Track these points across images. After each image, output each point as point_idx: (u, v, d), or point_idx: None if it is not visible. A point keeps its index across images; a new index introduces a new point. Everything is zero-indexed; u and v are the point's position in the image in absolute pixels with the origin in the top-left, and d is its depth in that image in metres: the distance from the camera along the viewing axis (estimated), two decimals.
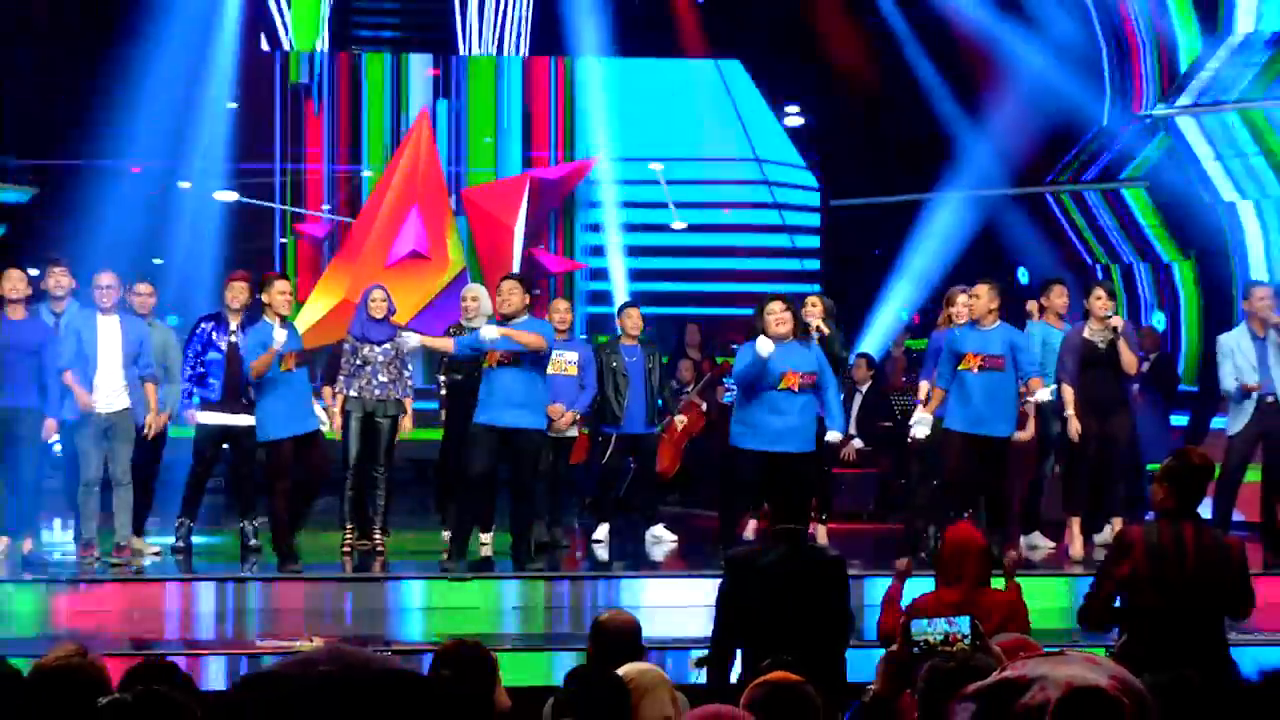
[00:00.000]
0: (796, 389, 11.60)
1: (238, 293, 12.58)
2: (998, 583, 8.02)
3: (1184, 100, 17.12)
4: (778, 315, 11.62)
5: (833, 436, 12.09)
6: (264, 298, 11.78)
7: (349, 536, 12.36)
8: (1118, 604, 7.11)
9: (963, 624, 5.09)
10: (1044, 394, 11.98)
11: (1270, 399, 12.15)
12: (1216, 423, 13.57)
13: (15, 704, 5.09)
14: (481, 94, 19.62)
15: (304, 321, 15.89)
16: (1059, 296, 12.93)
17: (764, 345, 11.36)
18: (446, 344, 11.87)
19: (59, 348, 11.85)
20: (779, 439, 11.64)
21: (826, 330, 12.50)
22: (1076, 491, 12.57)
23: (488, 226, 17.92)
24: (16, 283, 11.83)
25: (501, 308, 11.67)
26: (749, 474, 11.81)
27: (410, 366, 12.55)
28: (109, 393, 11.91)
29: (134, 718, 4.60)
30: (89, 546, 11.96)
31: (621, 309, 13.78)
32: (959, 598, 7.32)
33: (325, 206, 19.34)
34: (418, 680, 1.84)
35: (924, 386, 12.55)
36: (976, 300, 11.96)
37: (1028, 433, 12.47)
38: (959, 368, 11.91)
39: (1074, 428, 12.10)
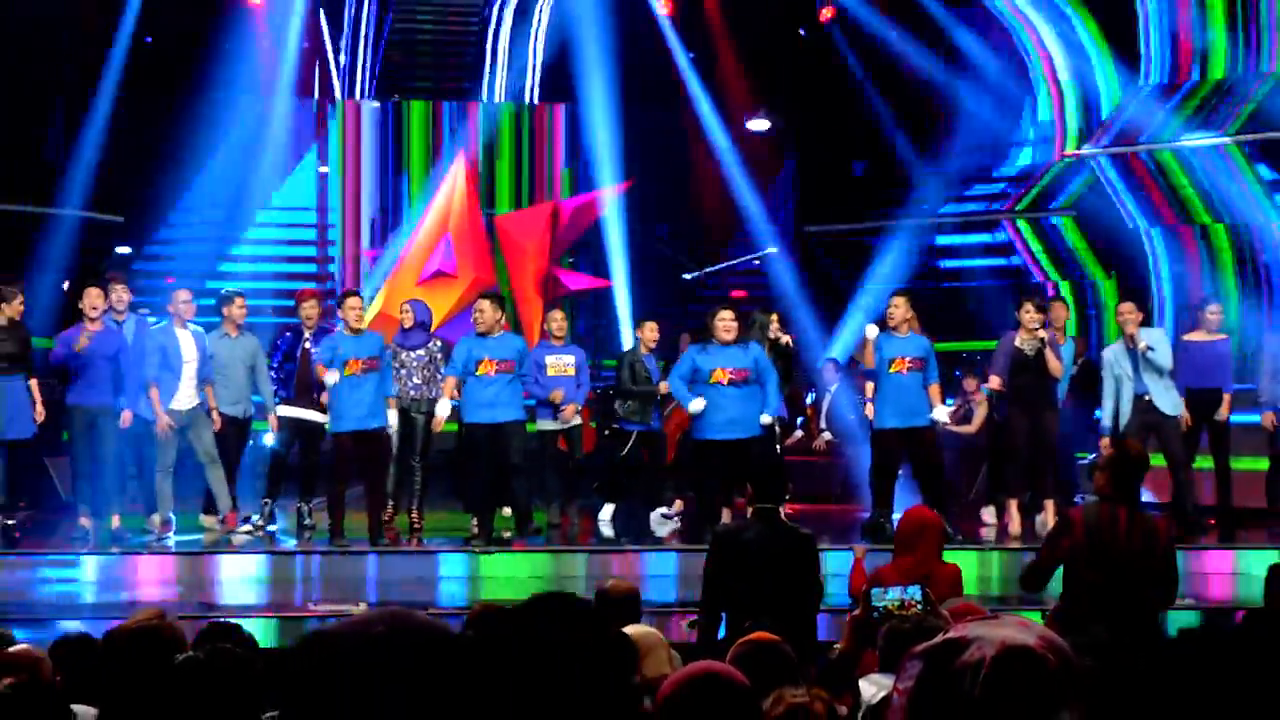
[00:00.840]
0: (726, 383, 11.72)
1: (309, 309, 12.81)
2: (949, 556, 8.08)
3: (1106, 141, 17.15)
4: (726, 323, 11.80)
5: (764, 419, 11.98)
6: (339, 312, 11.95)
7: (390, 516, 12.44)
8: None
9: (915, 591, 5.14)
10: (941, 413, 12.18)
11: (1146, 397, 12.18)
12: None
13: (92, 665, 5.12)
14: (506, 136, 19.61)
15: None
16: (1054, 310, 12.88)
17: (696, 405, 11.75)
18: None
19: (146, 359, 12.01)
20: (724, 428, 11.73)
21: (787, 340, 12.77)
22: (1013, 478, 12.55)
23: (516, 249, 17.90)
24: (95, 300, 11.92)
25: (476, 325, 11.92)
26: (707, 460, 11.96)
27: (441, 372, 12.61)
28: (187, 392, 12.06)
29: (205, 672, 4.64)
30: (166, 524, 12.07)
31: (641, 322, 13.66)
32: (914, 568, 7.32)
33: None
34: (466, 641, 1.84)
35: (869, 385, 12.51)
36: (895, 310, 12.07)
37: (973, 426, 12.53)
38: (890, 370, 12.00)
39: (980, 414, 12.29)
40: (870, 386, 12.50)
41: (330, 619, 9.39)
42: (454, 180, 17.57)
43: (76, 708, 4.56)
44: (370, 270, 18.72)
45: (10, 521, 12.26)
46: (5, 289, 12.04)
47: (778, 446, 12.75)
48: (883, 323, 12.21)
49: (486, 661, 1.79)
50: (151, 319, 12.94)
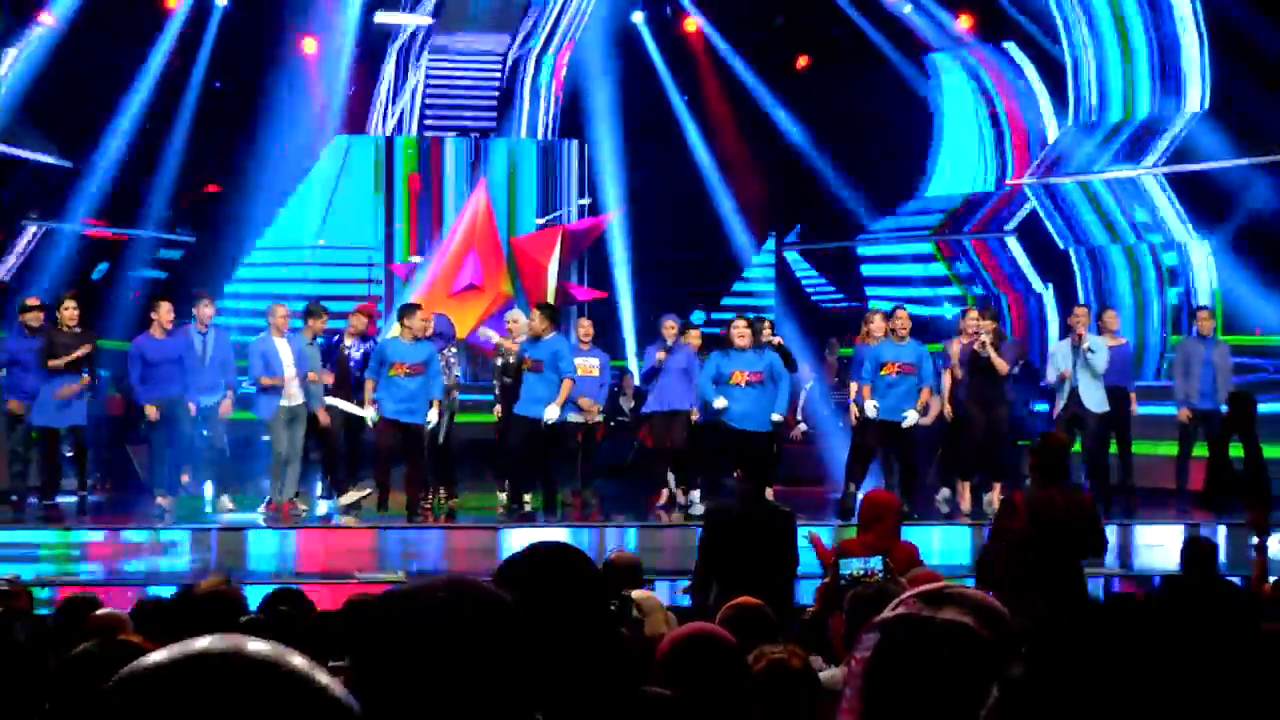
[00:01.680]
0: (744, 384, 11.76)
1: (357, 320, 12.89)
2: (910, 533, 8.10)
3: (1044, 172, 17.17)
4: (739, 330, 11.93)
5: (775, 417, 12.08)
6: (406, 320, 12.01)
7: (427, 498, 12.42)
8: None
9: (876, 563, 5.18)
10: (912, 417, 12.14)
11: (1075, 389, 12.24)
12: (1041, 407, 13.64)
13: (168, 625, 5.13)
14: (527, 169, 19.60)
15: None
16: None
17: (720, 403, 11.82)
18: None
19: (230, 365, 12.35)
20: (739, 420, 11.78)
21: (779, 341, 12.80)
22: (967, 462, 12.59)
23: (530, 266, 17.91)
24: (166, 313, 12.06)
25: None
26: (721, 447, 11.95)
27: (456, 373, 12.66)
28: (291, 393, 12.08)
29: (266, 631, 4.66)
30: (281, 504, 12.17)
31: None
32: (875, 543, 7.33)
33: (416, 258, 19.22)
34: (515, 604, 1.86)
35: (854, 386, 12.54)
36: (898, 322, 12.19)
37: (929, 419, 12.54)
38: (881, 373, 12.06)
39: (943, 410, 12.37)
40: (855, 388, 12.51)
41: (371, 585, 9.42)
42: (475, 206, 17.59)
43: None
44: (403, 285, 18.63)
45: (83, 496, 12.34)
46: (65, 296, 12.32)
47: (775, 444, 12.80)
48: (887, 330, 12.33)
49: (528, 620, 1.79)
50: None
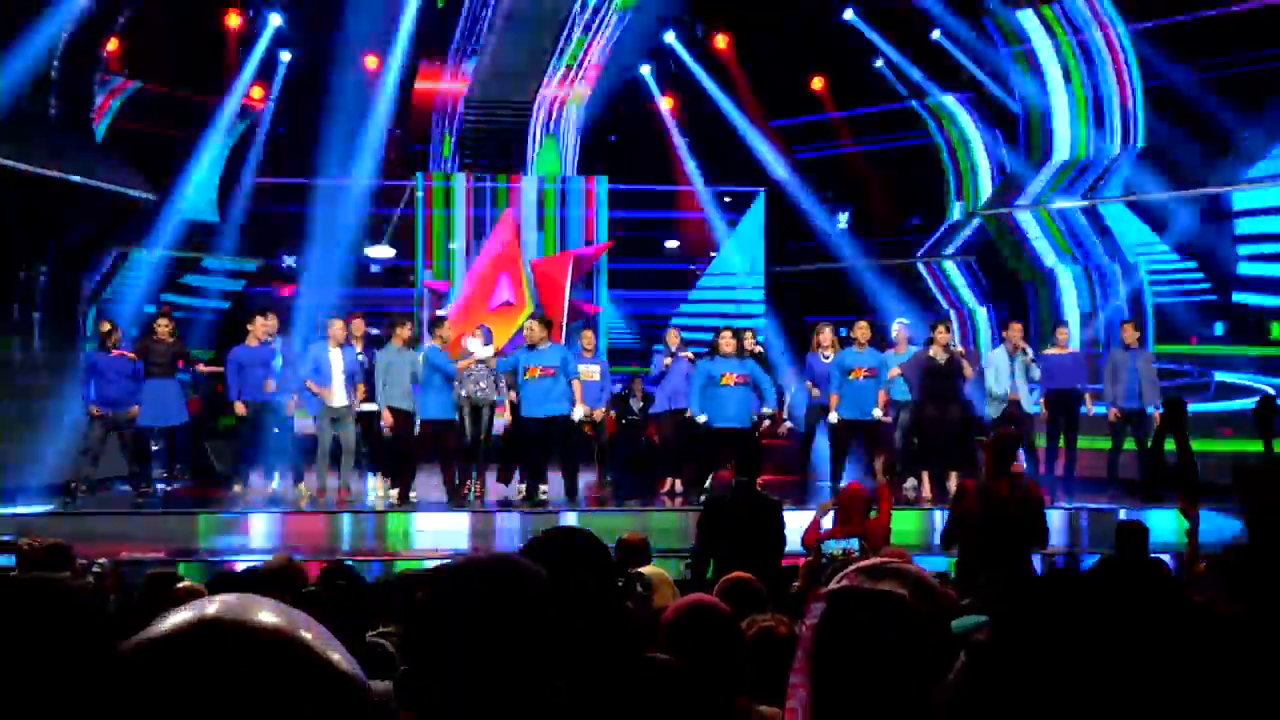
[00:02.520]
0: (733, 385, 11.81)
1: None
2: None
3: (998, 204, 17.16)
4: (726, 339, 12.05)
5: (766, 411, 12.31)
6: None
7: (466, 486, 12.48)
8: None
9: (854, 543, 5.17)
10: (879, 411, 12.30)
11: (1013, 396, 12.37)
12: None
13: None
14: (550, 205, 19.60)
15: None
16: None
17: (701, 418, 11.93)
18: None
19: (300, 367, 12.31)
20: (728, 420, 11.85)
21: (759, 348, 13.09)
22: (928, 454, 12.65)
23: (547, 284, 17.93)
24: (261, 326, 12.34)
25: (527, 338, 12.09)
26: (711, 441, 12.05)
27: (501, 379, 12.63)
28: (338, 395, 12.09)
29: (322, 603, 4.64)
30: (322, 491, 12.20)
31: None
32: (852, 527, 7.35)
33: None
34: (544, 577, 1.84)
35: (815, 392, 12.83)
36: (859, 332, 12.33)
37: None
38: (849, 377, 12.12)
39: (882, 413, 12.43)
40: (814, 389, 12.76)
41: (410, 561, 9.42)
42: (505, 233, 17.60)
43: None
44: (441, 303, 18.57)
45: (171, 487, 12.54)
46: (159, 314, 12.77)
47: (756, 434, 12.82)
48: (846, 339, 12.40)
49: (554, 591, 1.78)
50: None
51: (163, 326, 12.37)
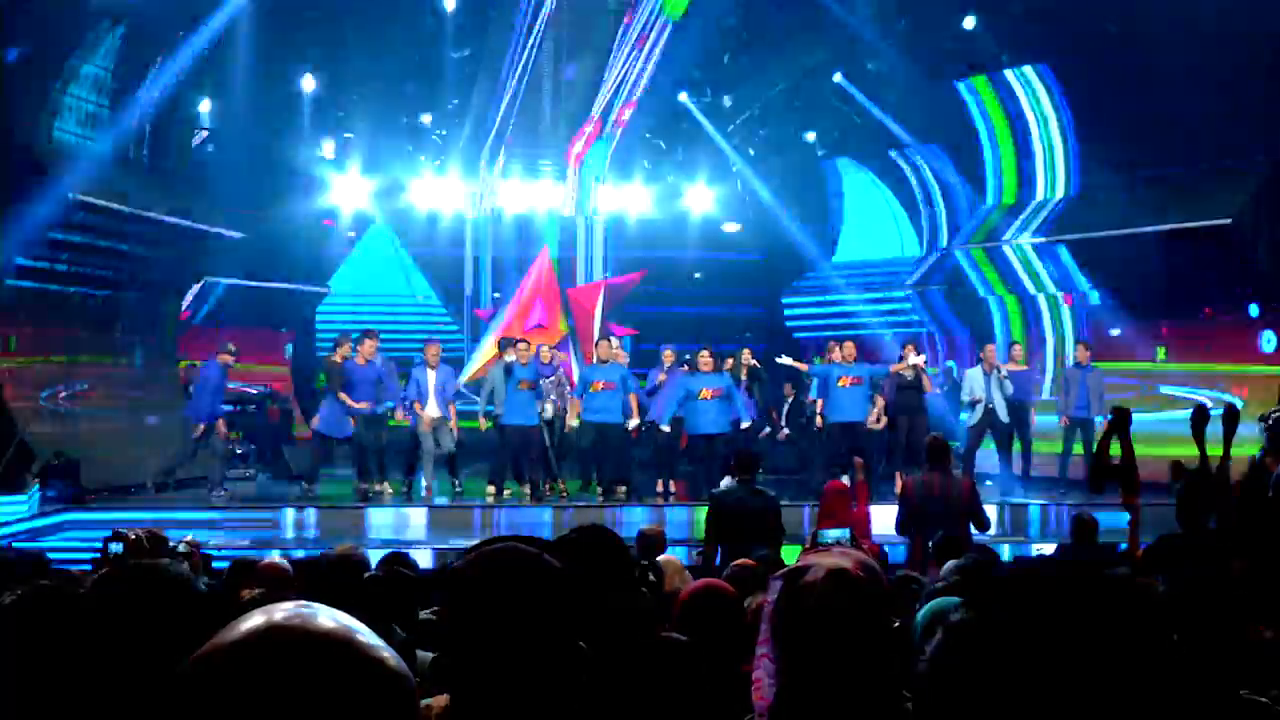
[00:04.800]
0: (709, 398, 11.95)
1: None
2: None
3: (962, 240, 17.12)
4: (704, 358, 12.18)
5: (744, 424, 12.53)
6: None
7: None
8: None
9: (845, 533, 5.19)
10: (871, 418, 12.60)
11: (989, 406, 12.47)
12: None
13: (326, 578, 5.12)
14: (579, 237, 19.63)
15: (473, 365, 16.21)
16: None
17: (665, 427, 12.36)
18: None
19: (405, 387, 12.45)
20: (707, 426, 12.01)
21: (757, 364, 13.48)
22: (898, 458, 12.65)
23: (581, 310, 17.95)
24: (369, 347, 12.30)
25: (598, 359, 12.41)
26: (695, 447, 12.27)
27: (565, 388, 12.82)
28: (433, 409, 12.15)
29: (381, 586, 4.67)
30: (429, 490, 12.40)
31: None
32: (838, 520, 7.41)
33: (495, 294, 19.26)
34: (560, 568, 1.85)
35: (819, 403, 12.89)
36: (849, 349, 12.59)
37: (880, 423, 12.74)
38: (838, 385, 12.33)
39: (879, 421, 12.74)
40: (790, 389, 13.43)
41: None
42: (541, 265, 17.66)
43: None
44: (483, 326, 18.59)
45: (311, 489, 12.31)
46: (360, 334, 12.60)
47: (757, 438, 12.93)
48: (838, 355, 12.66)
49: (573, 579, 1.79)
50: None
51: (367, 346, 12.28)
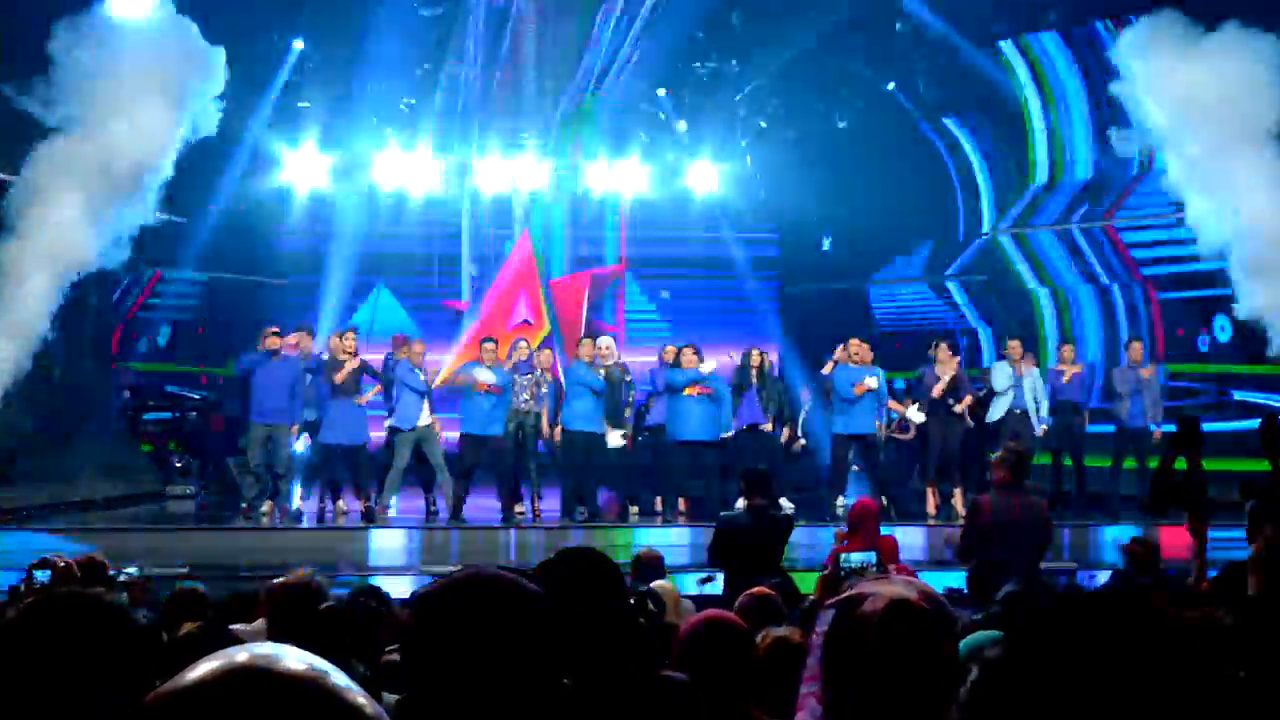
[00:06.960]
0: (695, 395, 12.03)
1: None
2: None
3: (1005, 225, 17.15)
4: (688, 355, 12.23)
5: (727, 435, 12.37)
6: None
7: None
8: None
9: (871, 557, 5.16)
10: (914, 413, 12.63)
11: (1019, 410, 12.43)
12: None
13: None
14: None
15: (448, 366, 16.13)
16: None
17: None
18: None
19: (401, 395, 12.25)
20: (692, 432, 12.03)
21: (770, 359, 13.49)
22: (930, 470, 12.68)
23: (566, 304, 17.98)
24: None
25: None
26: (676, 458, 12.30)
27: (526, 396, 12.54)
28: (426, 415, 12.20)
29: (339, 618, 4.65)
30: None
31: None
32: (864, 541, 7.38)
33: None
34: (535, 592, 1.84)
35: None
36: (855, 348, 12.37)
37: (910, 433, 12.67)
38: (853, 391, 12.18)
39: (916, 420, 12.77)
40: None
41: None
42: (522, 253, 17.67)
43: None
44: (456, 322, 18.59)
45: (371, 503, 12.24)
46: (343, 333, 12.60)
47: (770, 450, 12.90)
48: (846, 356, 12.35)
49: (550, 606, 1.78)
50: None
51: (347, 340, 12.35)
